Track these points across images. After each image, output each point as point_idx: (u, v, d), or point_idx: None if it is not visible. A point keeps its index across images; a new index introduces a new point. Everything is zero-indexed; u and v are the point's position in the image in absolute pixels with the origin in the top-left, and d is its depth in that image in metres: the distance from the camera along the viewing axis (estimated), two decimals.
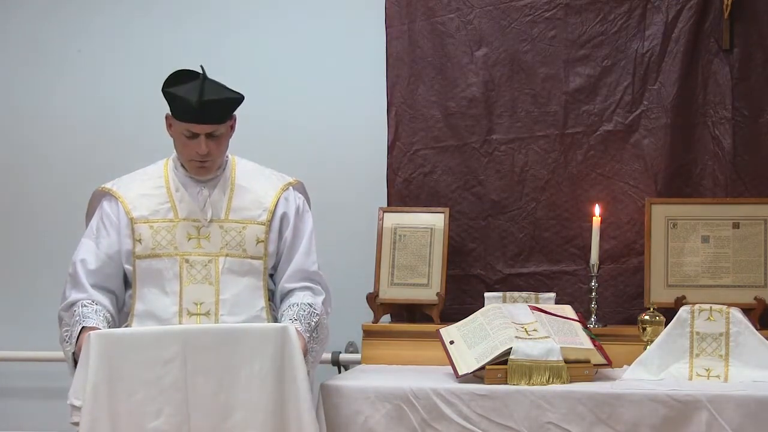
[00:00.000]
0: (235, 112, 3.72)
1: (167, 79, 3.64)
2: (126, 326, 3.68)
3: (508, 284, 4.42)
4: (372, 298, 4.35)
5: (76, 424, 3.45)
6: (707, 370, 3.72)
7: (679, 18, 4.36)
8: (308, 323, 3.64)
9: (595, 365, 3.74)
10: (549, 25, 4.44)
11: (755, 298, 4.15)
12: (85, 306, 3.66)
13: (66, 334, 3.64)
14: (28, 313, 4.87)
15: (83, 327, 3.57)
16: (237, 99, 3.67)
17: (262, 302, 3.72)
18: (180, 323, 3.63)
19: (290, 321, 3.62)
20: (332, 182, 4.48)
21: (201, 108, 3.58)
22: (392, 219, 4.44)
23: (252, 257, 3.73)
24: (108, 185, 3.83)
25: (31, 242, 4.89)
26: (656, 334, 3.84)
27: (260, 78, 4.68)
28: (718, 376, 3.70)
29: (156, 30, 4.85)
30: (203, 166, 3.70)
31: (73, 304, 3.68)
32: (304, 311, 3.67)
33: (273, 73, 4.72)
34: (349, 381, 3.74)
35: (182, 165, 3.76)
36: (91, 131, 4.88)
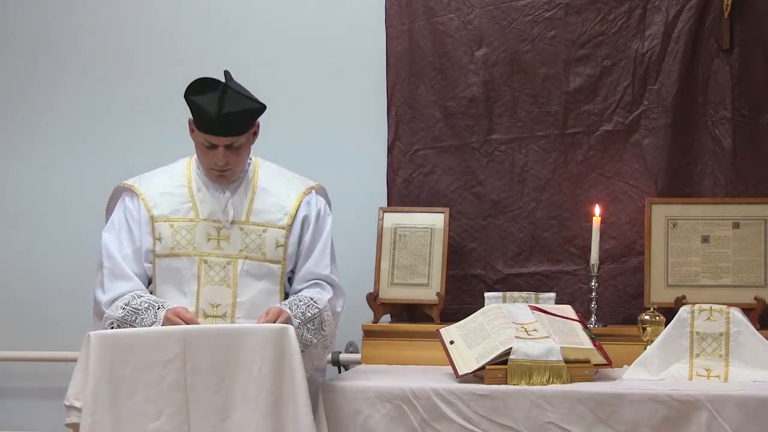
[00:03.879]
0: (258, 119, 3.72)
1: (190, 85, 3.64)
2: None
3: (508, 284, 4.42)
4: (372, 298, 4.35)
5: (72, 424, 3.45)
6: (707, 370, 3.72)
7: (679, 18, 4.36)
8: (302, 312, 3.63)
9: (595, 365, 3.74)
10: (549, 25, 4.44)
11: (755, 298, 4.15)
12: (141, 296, 3.63)
13: (139, 320, 3.57)
14: (28, 313, 4.87)
15: (167, 308, 3.56)
16: (257, 109, 3.66)
17: None
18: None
19: (280, 304, 3.63)
20: (332, 182, 4.47)
21: (220, 121, 3.58)
22: (392, 219, 4.44)
23: (271, 261, 3.73)
24: (129, 182, 3.83)
25: (32, 242, 4.89)
26: (656, 334, 3.84)
27: (260, 78, 4.66)
28: (718, 376, 3.70)
29: (155, 30, 4.85)
30: (222, 175, 3.71)
31: (118, 297, 3.63)
32: (300, 301, 3.67)
33: (273, 73, 4.71)
34: (349, 381, 3.74)
35: None
36: (94, 130, 4.88)
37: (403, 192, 4.53)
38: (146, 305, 3.59)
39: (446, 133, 4.51)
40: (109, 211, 3.84)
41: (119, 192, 3.83)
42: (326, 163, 4.60)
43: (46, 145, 4.90)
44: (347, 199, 4.50)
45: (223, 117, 3.58)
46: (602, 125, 4.42)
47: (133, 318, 3.57)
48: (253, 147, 3.79)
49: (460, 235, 4.48)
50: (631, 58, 4.39)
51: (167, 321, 3.53)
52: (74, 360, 3.53)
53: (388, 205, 4.52)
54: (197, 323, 3.55)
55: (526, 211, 4.45)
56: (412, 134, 4.53)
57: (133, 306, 3.59)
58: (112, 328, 3.58)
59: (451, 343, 3.81)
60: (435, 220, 4.41)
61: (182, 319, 3.52)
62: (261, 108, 3.67)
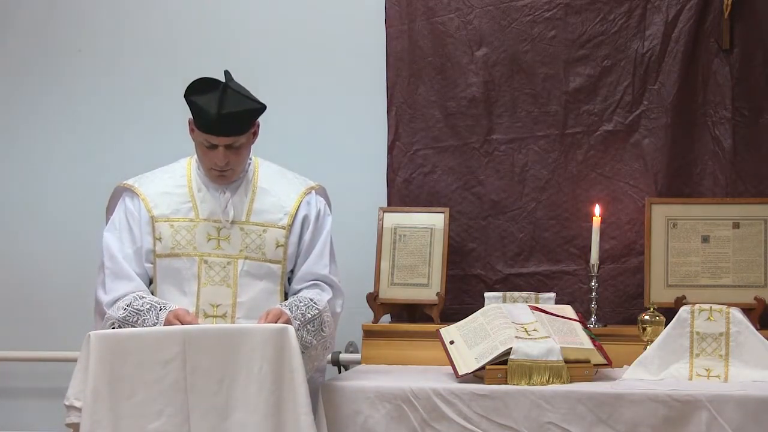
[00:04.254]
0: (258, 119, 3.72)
1: (190, 85, 3.63)
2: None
3: (508, 284, 4.42)
4: (372, 298, 4.36)
5: (72, 424, 3.45)
6: (707, 370, 3.72)
7: (679, 18, 4.36)
8: (302, 314, 3.62)
9: (595, 365, 3.74)
10: (549, 25, 4.44)
11: (755, 298, 4.15)
12: (143, 297, 3.62)
13: (141, 321, 3.57)
14: (28, 313, 4.87)
15: (168, 310, 3.56)
16: (257, 109, 3.66)
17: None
18: None
19: (280, 305, 3.63)
20: (332, 182, 4.47)
21: (220, 121, 3.58)
22: (392, 219, 4.44)
23: (271, 261, 3.73)
24: (129, 182, 3.82)
25: (32, 242, 4.89)
26: (656, 334, 3.84)
27: (260, 78, 4.65)
28: (718, 376, 3.70)
29: (154, 31, 4.85)
30: (222, 175, 3.71)
31: (120, 298, 3.63)
32: (300, 302, 3.67)
33: (272, 73, 4.71)
34: (349, 381, 3.74)
35: None
36: (93, 132, 4.88)
37: (403, 192, 4.53)
38: (148, 306, 3.59)
39: (446, 133, 4.51)
40: (110, 211, 3.84)
41: (119, 192, 3.83)
42: (326, 163, 4.60)
43: (46, 144, 4.90)
44: (347, 199, 4.50)
45: (224, 117, 3.58)
46: (602, 125, 4.42)
47: (135, 319, 3.57)
48: (253, 147, 3.79)
49: (460, 235, 4.48)
50: (631, 58, 4.39)
51: (168, 323, 3.53)
52: (74, 360, 3.53)
53: (388, 205, 4.52)
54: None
55: (526, 211, 4.46)
56: (412, 134, 4.53)
57: (135, 307, 3.59)
58: (114, 328, 3.58)
59: (451, 343, 3.81)
60: (435, 220, 4.41)
61: (182, 322, 3.52)
62: (261, 108, 3.67)
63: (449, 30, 4.50)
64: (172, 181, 3.79)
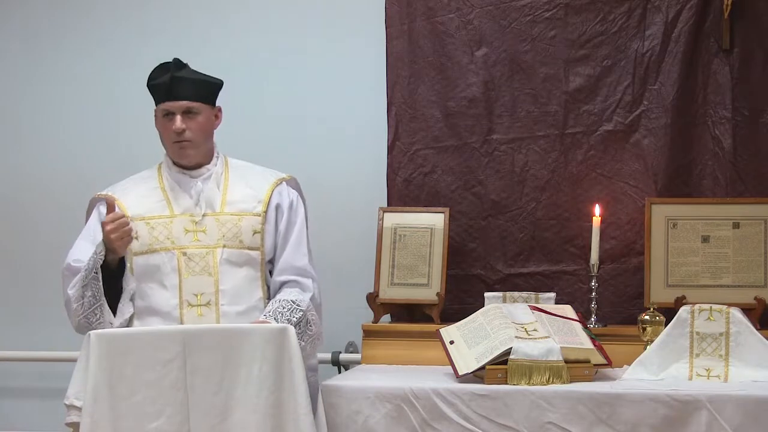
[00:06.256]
0: (219, 104, 3.76)
1: (150, 73, 3.72)
2: (127, 324, 3.68)
3: (508, 284, 4.41)
4: (372, 298, 4.36)
5: (72, 424, 3.46)
6: (707, 370, 3.72)
7: (679, 18, 4.36)
8: (287, 320, 3.63)
9: (595, 365, 3.74)
10: (549, 25, 4.44)
11: (755, 298, 4.15)
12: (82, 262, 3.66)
13: (83, 275, 3.62)
14: (29, 314, 4.87)
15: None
16: (212, 81, 3.75)
17: (259, 293, 3.76)
18: (181, 315, 3.66)
19: (264, 316, 3.64)
20: (332, 182, 4.48)
21: (171, 84, 3.67)
22: (392, 219, 4.44)
23: (249, 248, 3.76)
24: (103, 192, 3.87)
25: (32, 242, 4.89)
26: (656, 334, 3.84)
27: (260, 78, 4.68)
28: (718, 376, 3.71)
29: (153, 30, 4.85)
30: (183, 147, 3.73)
31: (76, 282, 3.66)
32: (284, 308, 3.68)
33: (273, 73, 4.72)
34: (349, 381, 3.75)
35: (174, 163, 3.79)
36: (92, 133, 4.88)
37: (403, 192, 4.53)
38: (86, 262, 3.61)
39: (446, 133, 4.51)
40: (86, 222, 3.87)
41: (94, 202, 3.87)
42: (326, 163, 4.61)
43: (46, 143, 4.90)
44: (347, 199, 4.51)
45: (175, 79, 3.68)
46: (602, 125, 4.42)
47: (85, 275, 3.59)
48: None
49: (460, 235, 4.48)
50: (631, 58, 4.39)
51: (105, 241, 3.55)
52: (74, 360, 3.54)
53: (388, 205, 4.52)
54: (121, 218, 3.56)
55: (526, 211, 4.45)
56: (412, 134, 4.53)
57: (82, 271, 3.62)
58: (82, 306, 3.59)
59: (451, 343, 3.81)
60: (435, 220, 4.41)
61: (108, 221, 3.54)
62: (215, 82, 3.75)
63: (449, 30, 4.50)
64: (145, 184, 3.84)
